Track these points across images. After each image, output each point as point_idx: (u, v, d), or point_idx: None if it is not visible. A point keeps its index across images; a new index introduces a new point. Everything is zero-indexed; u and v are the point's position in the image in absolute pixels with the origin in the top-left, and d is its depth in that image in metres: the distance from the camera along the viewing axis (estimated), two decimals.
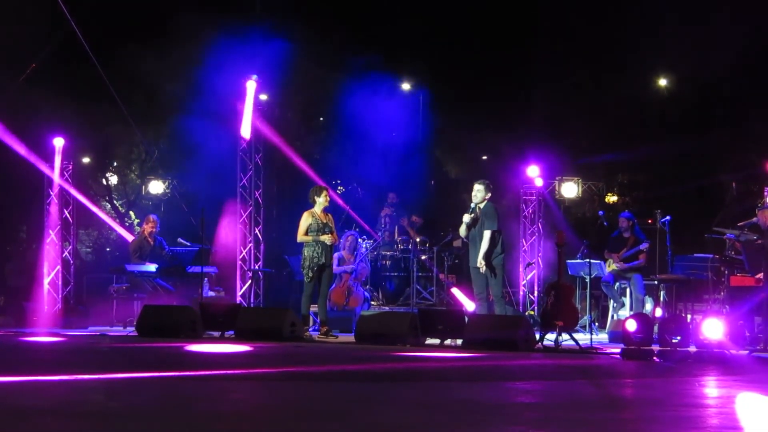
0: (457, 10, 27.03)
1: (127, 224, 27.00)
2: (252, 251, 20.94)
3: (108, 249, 29.24)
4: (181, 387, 9.51)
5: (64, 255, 21.88)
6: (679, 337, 14.50)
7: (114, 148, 28.07)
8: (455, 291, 20.42)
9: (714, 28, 23.67)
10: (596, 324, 19.63)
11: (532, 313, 20.68)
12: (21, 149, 21.46)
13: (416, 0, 26.53)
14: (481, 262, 16.24)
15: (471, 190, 16.70)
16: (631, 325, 14.69)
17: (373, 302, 21.13)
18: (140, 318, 17.49)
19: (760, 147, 23.28)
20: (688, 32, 24.53)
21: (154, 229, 19.99)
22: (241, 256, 20.90)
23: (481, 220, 16.43)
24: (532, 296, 21.66)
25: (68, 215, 21.95)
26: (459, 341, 15.54)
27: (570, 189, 24.08)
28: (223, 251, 21.73)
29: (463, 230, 16.72)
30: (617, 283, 19.09)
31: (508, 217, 17.09)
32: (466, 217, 16.52)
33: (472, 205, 16.58)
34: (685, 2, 24.17)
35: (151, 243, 19.90)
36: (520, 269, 21.91)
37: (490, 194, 16.64)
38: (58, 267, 21.69)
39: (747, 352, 14.09)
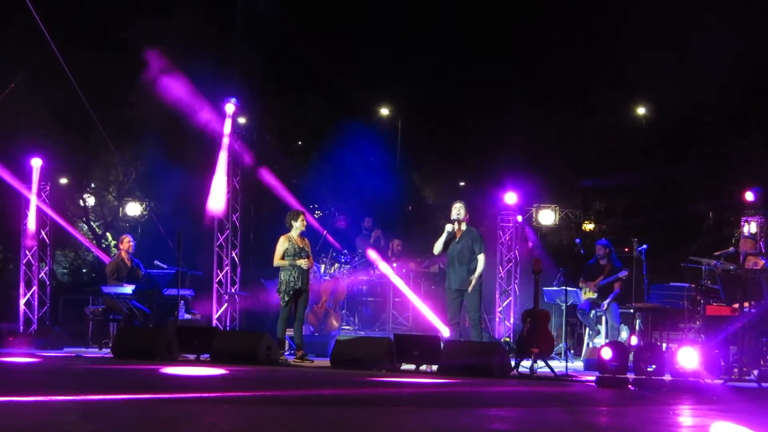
0: (436, 36, 27.14)
1: (104, 246, 26.92)
2: (229, 274, 20.88)
3: (84, 270, 29.15)
4: (156, 409, 9.47)
5: (40, 276, 21.78)
6: (654, 366, 14.54)
7: (92, 169, 28.00)
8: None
9: (692, 59, 23.82)
10: (572, 351, 19.61)
11: (507, 339, 20.67)
12: None
13: (394, 26, 26.60)
14: (472, 283, 16.31)
15: (448, 215, 16.74)
16: (607, 353, 14.72)
17: (347, 326, 21.13)
18: (116, 340, 17.48)
19: (737, 176, 23.38)
20: (666, 62, 24.70)
21: (130, 247, 19.84)
22: (217, 279, 20.84)
23: (468, 243, 16.49)
24: (508, 323, 21.64)
25: (45, 236, 21.85)
26: (434, 367, 15.53)
27: (547, 216, 24.09)
28: None
29: (438, 246, 16.74)
30: (593, 311, 19.07)
31: (484, 243, 17.12)
32: (449, 227, 16.57)
33: (453, 219, 16.64)
34: (664, 33, 24.32)
35: (128, 264, 19.80)
36: (497, 296, 21.89)
37: (468, 216, 16.73)
38: (34, 288, 21.60)
39: (722, 381, 14.11)
